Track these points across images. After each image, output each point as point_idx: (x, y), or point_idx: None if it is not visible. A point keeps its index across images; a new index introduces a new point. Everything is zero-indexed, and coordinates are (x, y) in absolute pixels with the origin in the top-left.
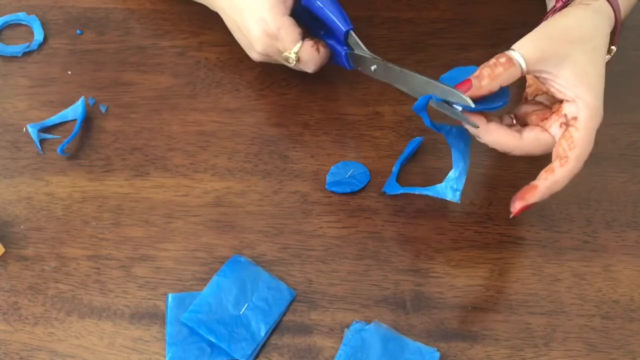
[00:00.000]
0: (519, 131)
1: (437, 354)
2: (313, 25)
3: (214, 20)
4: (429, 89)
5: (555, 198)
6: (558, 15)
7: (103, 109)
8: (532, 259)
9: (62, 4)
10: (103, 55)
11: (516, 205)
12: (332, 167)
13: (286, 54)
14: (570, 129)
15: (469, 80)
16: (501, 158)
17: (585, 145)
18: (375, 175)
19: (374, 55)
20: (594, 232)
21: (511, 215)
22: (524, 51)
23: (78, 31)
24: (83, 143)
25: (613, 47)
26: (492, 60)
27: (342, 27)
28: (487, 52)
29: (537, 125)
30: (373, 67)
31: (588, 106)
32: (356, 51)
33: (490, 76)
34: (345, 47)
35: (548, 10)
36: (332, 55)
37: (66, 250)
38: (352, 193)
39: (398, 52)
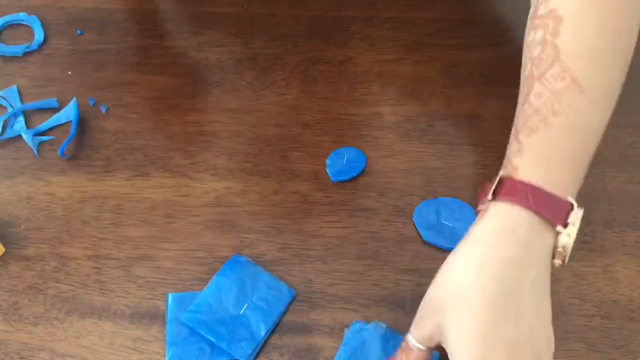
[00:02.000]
0: None
1: (437, 353)
2: None
3: (214, 20)
4: None
5: None
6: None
7: (103, 109)
8: None
9: (63, 4)
10: (103, 56)
11: None
12: (327, 160)
13: None
14: None
15: None
16: (501, 158)
17: None
18: (375, 176)
19: None
20: (593, 232)
21: None
22: (414, 333)
23: (78, 31)
24: (83, 143)
25: (556, 261)
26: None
27: None
28: (487, 52)
29: None
30: None
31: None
32: None
33: None
34: None
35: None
36: None
37: (66, 250)
38: (352, 193)
39: (398, 52)
